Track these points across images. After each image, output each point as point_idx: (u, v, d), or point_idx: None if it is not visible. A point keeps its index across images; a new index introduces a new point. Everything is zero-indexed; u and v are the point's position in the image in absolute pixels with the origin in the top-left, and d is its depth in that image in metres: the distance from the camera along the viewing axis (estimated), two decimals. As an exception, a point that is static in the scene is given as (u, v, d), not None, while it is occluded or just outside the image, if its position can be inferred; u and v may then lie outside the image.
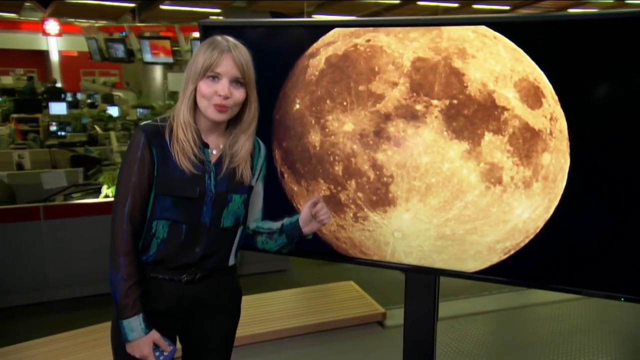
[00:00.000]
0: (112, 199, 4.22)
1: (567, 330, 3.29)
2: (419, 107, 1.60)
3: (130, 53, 10.98)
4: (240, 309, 1.66)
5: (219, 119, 1.41)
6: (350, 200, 1.75)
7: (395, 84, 1.61)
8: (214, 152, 1.48)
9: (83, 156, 6.25)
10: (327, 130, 1.72)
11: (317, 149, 1.74)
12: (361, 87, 1.65)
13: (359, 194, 1.73)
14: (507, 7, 14.34)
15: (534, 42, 1.49)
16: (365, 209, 1.74)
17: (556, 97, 1.49)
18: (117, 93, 13.63)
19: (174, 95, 11.80)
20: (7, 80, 15.93)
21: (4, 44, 17.79)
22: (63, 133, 7.88)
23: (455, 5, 14.18)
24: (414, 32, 1.59)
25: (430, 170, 1.63)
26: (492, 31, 1.52)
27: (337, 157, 1.73)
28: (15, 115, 8.75)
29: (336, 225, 1.79)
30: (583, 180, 1.52)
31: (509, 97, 1.52)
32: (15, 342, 2.85)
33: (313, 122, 1.73)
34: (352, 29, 1.67)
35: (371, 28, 1.64)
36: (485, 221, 1.62)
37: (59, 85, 14.78)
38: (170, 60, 10.73)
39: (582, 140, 1.49)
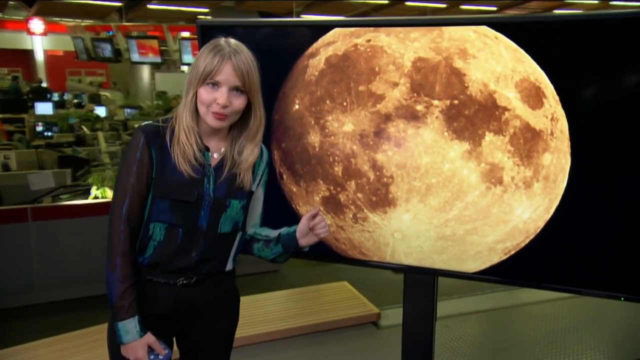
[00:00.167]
0: (102, 200, 4.21)
1: (560, 329, 3.31)
2: (419, 107, 1.60)
3: (117, 53, 10.86)
4: (239, 313, 1.64)
5: (218, 126, 1.40)
6: (350, 201, 1.74)
7: (395, 84, 1.60)
8: (215, 155, 1.47)
9: (71, 157, 6.17)
10: (326, 130, 1.71)
11: (317, 149, 1.73)
12: (361, 88, 1.64)
13: (359, 195, 1.72)
14: (495, 8, 14.44)
15: (535, 42, 1.49)
16: (365, 210, 1.73)
17: (557, 98, 1.49)
18: (104, 93, 13.50)
19: (162, 96, 11.71)
20: (-9, 80, 15.71)
21: (-13, 43, 17.54)
22: (50, 133, 7.77)
23: (444, 5, 14.24)
24: (415, 32, 1.58)
25: (431, 171, 1.63)
26: (493, 31, 1.52)
27: (336, 158, 1.72)
28: (0, 116, 8.62)
29: (335, 226, 1.78)
30: (584, 181, 1.52)
31: (510, 97, 1.52)
32: (2, 346, 2.80)
33: (312, 122, 1.72)
34: (352, 29, 1.66)
35: (371, 28, 1.64)
36: (485, 221, 1.62)
37: (44, 85, 14.59)
38: (158, 60, 10.63)
39: (583, 140, 1.50)
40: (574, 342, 3.16)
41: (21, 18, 16.21)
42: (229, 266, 1.56)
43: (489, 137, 1.55)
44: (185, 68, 14.92)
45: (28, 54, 18.35)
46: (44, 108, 9.06)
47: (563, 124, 1.50)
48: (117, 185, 1.44)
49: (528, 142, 1.53)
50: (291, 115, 1.75)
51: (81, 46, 11.41)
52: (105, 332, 1.54)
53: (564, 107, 1.49)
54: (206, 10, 14.09)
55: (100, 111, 9.66)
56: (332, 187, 1.75)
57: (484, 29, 1.53)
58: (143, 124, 1.47)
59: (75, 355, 2.68)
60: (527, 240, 1.61)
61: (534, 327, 3.35)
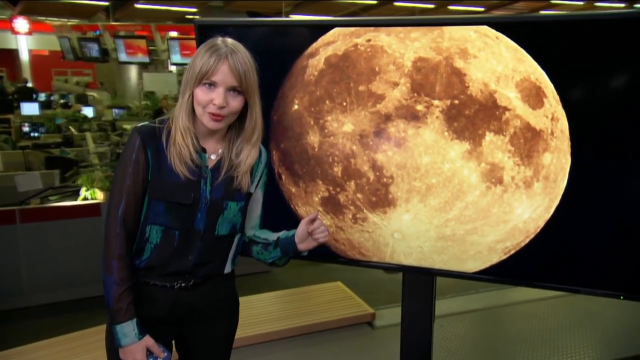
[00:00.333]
0: (91, 202, 4.15)
1: (553, 327, 3.34)
2: (419, 107, 1.59)
3: (104, 52, 10.75)
4: (238, 316, 1.63)
5: (214, 127, 1.38)
6: (350, 202, 1.73)
7: (396, 84, 1.60)
8: (212, 157, 1.45)
9: (59, 158, 6.10)
10: (326, 130, 1.70)
11: (316, 149, 1.72)
12: (361, 88, 1.63)
13: (359, 195, 1.71)
14: (482, 9, 14.55)
15: (535, 42, 1.50)
16: (365, 210, 1.72)
17: (557, 97, 1.50)
18: (91, 93, 13.35)
19: (150, 96, 11.61)
20: (-26, 80, 15.45)
21: (-30, 42, 17.26)
22: (36, 134, 7.66)
23: (432, 6, 14.31)
24: (415, 32, 1.58)
25: (431, 171, 1.63)
26: (494, 31, 1.52)
27: (336, 158, 1.71)
28: (-15, 116, 8.49)
29: (335, 227, 1.77)
30: (584, 180, 1.53)
31: (510, 97, 1.52)
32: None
33: (312, 122, 1.71)
34: (353, 29, 1.65)
35: (372, 28, 1.63)
36: (485, 221, 1.63)
37: (29, 85, 14.40)
38: (146, 60, 10.54)
39: (583, 140, 1.51)
40: (567, 340, 3.18)
41: (5, 17, 15.97)
42: (228, 269, 1.54)
43: (489, 137, 1.55)
44: (173, 68, 14.83)
45: (12, 54, 18.08)
46: (30, 108, 8.92)
47: (563, 123, 1.51)
48: (113, 187, 1.42)
49: (528, 142, 1.53)
50: (290, 115, 1.74)
51: (67, 46, 11.26)
52: (103, 333, 1.52)
53: (564, 106, 1.50)
54: (194, 10, 14.02)
55: (88, 111, 9.55)
56: (331, 188, 1.74)
57: (485, 28, 1.53)
58: (139, 124, 1.45)
59: (73, 357, 2.65)
60: (527, 240, 1.62)
61: (527, 325, 3.38)
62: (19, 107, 9.17)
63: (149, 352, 1.42)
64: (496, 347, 3.14)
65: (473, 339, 3.23)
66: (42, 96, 12.53)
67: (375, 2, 13.64)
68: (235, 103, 1.37)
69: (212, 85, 1.34)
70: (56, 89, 15.26)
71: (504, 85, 1.52)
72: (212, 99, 1.34)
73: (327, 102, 1.68)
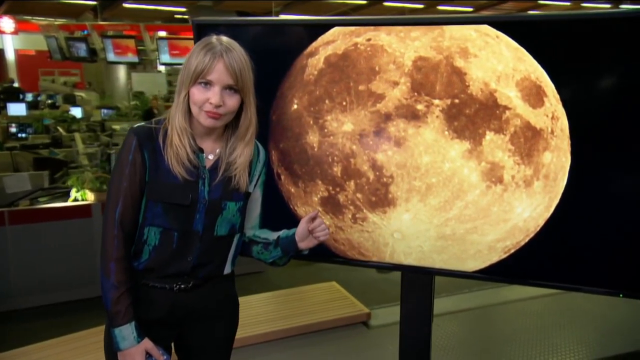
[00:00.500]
0: (82, 203, 4.10)
1: (546, 325, 3.36)
2: (420, 106, 1.59)
3: (93, 52, 10.63)
4: (238, 317, 1.62)
5: (211, 125, 1.37)
6: (349, 201, 1.72)
7: (396, 84, 1.59)
8: (210, 157, 1.44)
9: (47, 159, 6.03)
10: (325, 130, 1.69)
11: (316, 149, 1.71)
12: (361, 87, 1.63)
13: (358, 195, 1.70)
14: (470, 9, 14.63)
15: (536, 41, 1.50)
16: (365, 210, 1.71)
17: (558, 96, 1.50)
18: (79, 93, 13.22)
19: (139, 96, 11.52)
20: (-41, 80, 15.24)
21: (-46, 42, 17.00)
22: (24, 135, 7.57)
23: (421, 6, 14.38)
24: (416, 31, 1.58)
25: (431, 170, 1.62)
26: (494, 30, 1.52)
27: (335, 158, 1.70)
28: (-30, 117, 8.37)
29: (334, 227, 1.76)
30: (583, 179, 1.54)
31: (510, 96, 1.53)
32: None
33: (311, 122, 1.70)
34: (353, 28, 1.64)
35: (372, 27, 1.62)
36: (485, 220, 1.63)
37: (16, 85, 14.22)
38: (136, 59, 10.44)
39: (583, 139, 1.51)
40: (562, 338, 3.21)
41: (-10, 16, 15.76)
42: (227, 269, 1.53)
43: (489, 136, 1.55)
44: (162, 68, 14.74)
45: (-3, 54, 17.85)
46: (16, 109, 8.81)
47: (563, 122, 1.51)
48: (110, 189, 1.40)
49: (528, 141, 1.54)
50: (289, 115, 1.73)
51: (55, 45, 11.13)
52: (101, 334, 1.50)
53: (565, 105, 1.50)
54: (183, 9, 13.94)
55: (76, 112, 9.46)
56: (331, 188, 1.73)
57: (485, 27, 1.53)
58: (135, 125, 1.43)
59: (73, 358, 2.62)
60: (527, 239, 1.62)
61: (521, 323, 3.40)
62: (5, 107, 9.04)
63: (148, 355, 1.40)
64: (490, 345, 3.15)
65: (468, 337, 3.25)
66: (29, 96, 12.37)
67: (365, 2, 13.67)
68: (232, 102, 1.36)
69: (208, 84, 1.33)
70: (43, 89, 15.08)
71: (504, 85, 1.52)
72: (208, 98, 1.33)
73: (327, 101, 1.67)
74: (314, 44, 1.68)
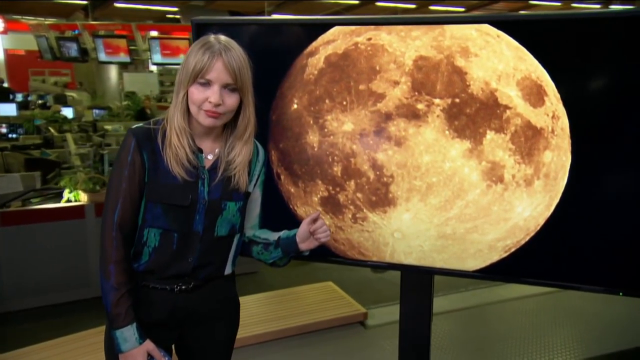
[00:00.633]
0: (75, 204, 4.07)
1: (542, 323, 3.38)
2: (420, 106, 1.59)
3: (84, 52, 10.54)
4: (239, 318, 1.61)
5: (211, 124, 1.36)
6: (349, 201, 1.72)
7: (396, 83, 1.59)
8: (209, 157, 1.43)
9: (39, 159, 5.97)
10: (325, 130, 1.68)
11: (316, 149, 1.71)
12: (361, 87, 1.62)
13: (358, 195, 1.70)
14: (462, 9, 14.70)
15: (536, 40, 1.50)
16: (365, 210, 1.71)
17: (558, 95, 1.51)
18: (71, 93, 13.10)
19: (131, 96, 11.44)
20: (-52, 81, 15.03)
21: (-58, 42, 16.79)
22: (14, 135, 7.48)
23: (413, 6, 14.42)
24: (416, 31, 1.57)
25: (431, 170, 1.62)
26: (495, 29, 1.52)
27: (336, 158, 1.69)
28: (-41, 117, 8.26)
29: (334, 227, 1.75)
30: (584, 178, 1.54)
31: (511, 95, 1.53)
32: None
33: (311, 122, 1.69)
34: (353, 27, 1.64)
35: (372, 26, 1.62)
36: (486, 220, 1.63)
37: (5, 85, 14.08)
38: (127, 59, 10.37)
39: (584, 138, 1.52)
40: (557, 336, 3.23)
41: (-21, 16, 15.59)
42: (228, 270, 1.52)
43: (490, 135, 1.56)
44: (154, 68, 14.65)
45: (-14, 53, 17.66)
46: (7, 109, 8.70)
47: (564, 121, 1.52)
48: (109, 191, 1.39)
49: (529, 140, 1.54)
50: (289, 115, 1.72)
51: (45, 45, 11.02)
52: (101, 335, 1.49)
53: (565, 105, 1.51)
54: (175, 9, 13.88)
55: (68, 112, 9.37)
56: (331, 188, 1.73)
57: (486, 27, 1.53)
58: (134, 126, 1.43)
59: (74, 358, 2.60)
60: (528, 238, 1.62)
61: (517, 322, 3.42)
62: (-5, 108, 8.94)
63: (150, 357, 1.40)
64: (486, 344, 3.17)
65: (463, 336, 3.25)
66: (19, 97, 12.25)
67: (357, 2, 13.68)
68: (231, 101, 1.35)
69: (206, 83, 1.32)
70: (33, 90, 14.93)
71: (505, 84, 1.53)
72: (207, 97, 1.32)
73: (327, 101, 1.66)
74: (314, 44, 1.67)
